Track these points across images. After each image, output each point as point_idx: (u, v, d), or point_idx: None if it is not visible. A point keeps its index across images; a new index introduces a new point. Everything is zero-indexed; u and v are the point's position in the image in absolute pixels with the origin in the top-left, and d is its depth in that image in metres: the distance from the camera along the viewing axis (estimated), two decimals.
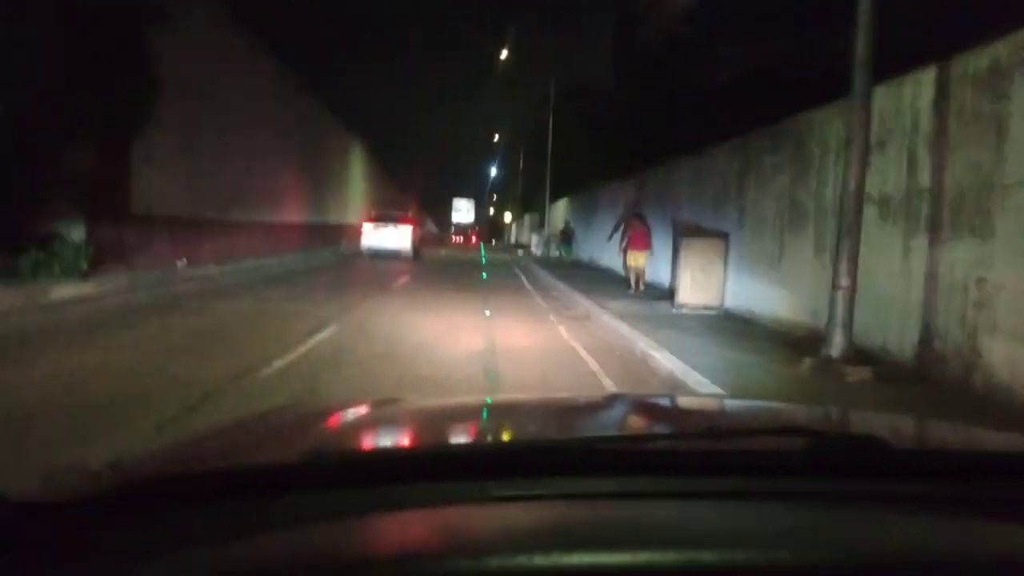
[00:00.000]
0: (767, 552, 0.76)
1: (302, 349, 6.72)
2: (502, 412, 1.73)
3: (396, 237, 23.09)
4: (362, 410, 1.64)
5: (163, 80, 12.15)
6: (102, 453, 1.56)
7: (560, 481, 0.94)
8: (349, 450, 1.21)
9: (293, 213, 23.12)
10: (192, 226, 14.43)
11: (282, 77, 21.51)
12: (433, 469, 0.99)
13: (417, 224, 25.65)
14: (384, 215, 24.84)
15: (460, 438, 1.47)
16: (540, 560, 0.71)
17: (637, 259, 13.59)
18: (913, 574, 0.74)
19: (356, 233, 24.92)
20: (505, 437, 1.46)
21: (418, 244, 24.86)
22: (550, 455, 1.03)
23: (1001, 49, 5.56)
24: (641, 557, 0.73)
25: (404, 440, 1.42)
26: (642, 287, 13.42)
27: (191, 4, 13.53)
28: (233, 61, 16.82)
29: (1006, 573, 0.75)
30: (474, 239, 51.11)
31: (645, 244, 13.64)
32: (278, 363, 6.02)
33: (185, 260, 13.57)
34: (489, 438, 1.47)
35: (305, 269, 17.83)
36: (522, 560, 0.71)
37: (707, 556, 0.73)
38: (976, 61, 5.83)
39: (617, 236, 15.40)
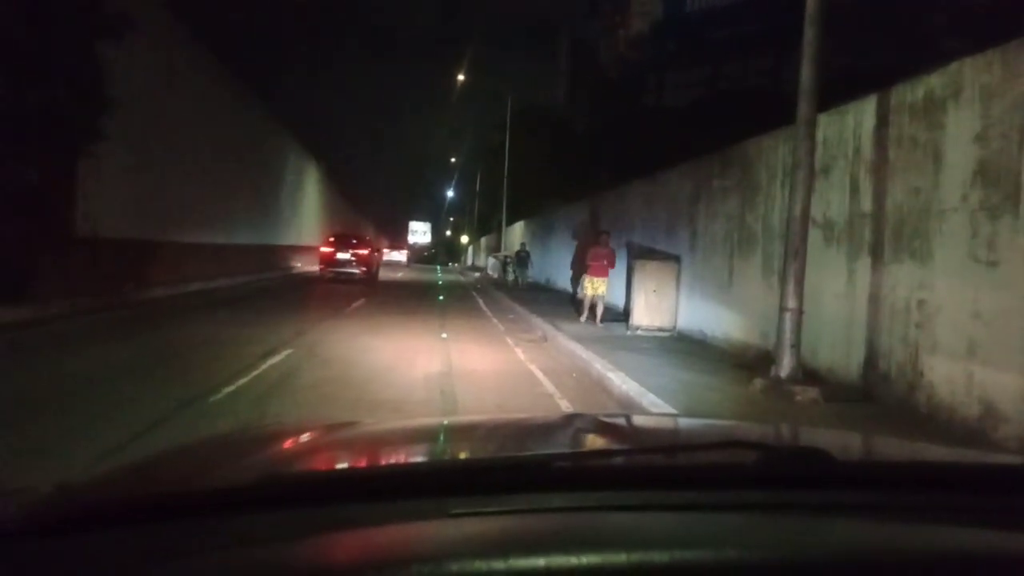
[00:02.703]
0: (717, 552, 0.78)
1: (254, 373, 6.59)
2: (460, 432, 1.73)
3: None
4: (319, 432, 1.62)
5: (113, 96, 11.88)
6: None
7: (518, 497, 0.95)
8: (305, 470, 1.20)
9: (245, 235, 22.79)
10: (140, 248, 14.06)
11: (238, 97, 21.27)
12: (390, 488, 0.99)
13: (376, 249, 40.11)
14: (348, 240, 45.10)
15: (417, 457, 1.46)
16: (499, 565, 0.72)
17: (596, 285, 11.89)
18: (851, 571, 0.78)
19: (309, 255, 32.86)
20: (462, 455, 1.46)
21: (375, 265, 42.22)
22: (507, 472, 1.04)
23: (935, 81, 5.83)
24: (596, 559, 0.75)
25: (361, 460, 1.41)
26: (598, 318, 11.82)
27: (145, 20, 13.31)
28: (188, 79, 16.56)
29: (933, 569, 0.79)
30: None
31: (606, 269, 11.97)
32: (228, 389, 5.88)
33: (132, 284, 13.21)
34: (446, 457, 1.46)
35: (257, 292, 17.52)
36: (481, 566, 0.72)
37: (660, 557, 0.76)
38: (913, 92, 6.09)
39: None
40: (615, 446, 1.52)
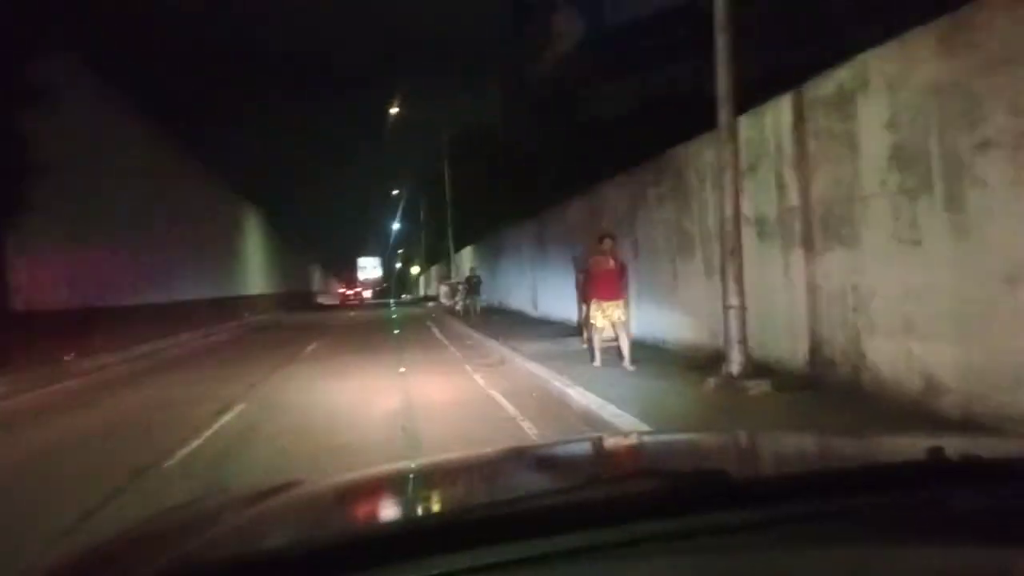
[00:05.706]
0: None
1: (207, 433, 6.43)
2: (382, 488, 1.70)
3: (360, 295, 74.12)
4: (262, 499, 1.58)
5: (38, 165, 11.53)
6: None
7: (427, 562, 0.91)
8: (269, 549, 1.16)
9: (190, 290, 22.31)
10: (79, 316, 13.62)
11: (171, 153, 20.91)
12: (343, 561, 0.96)
13: (363, 290, 78.06)
14: (351, 284, 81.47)
15: (354, 525, 1.44)
16: None
17: (608, 311, 8.48)
18: None
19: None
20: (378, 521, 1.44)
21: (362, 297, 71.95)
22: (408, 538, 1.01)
23: (844, 74, 6.09)
24: None
25: (311, 531, 1.38)
26: (626, 358, 8.34)
27: (69, 83, 12.98)
28: (119, 141, 16.23)
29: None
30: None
31: (618, 289, 8.59)
32: (182, 452, 5.73)
33: (72, 354, 12.77)
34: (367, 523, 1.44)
35: (205, 348, 17.14)
36: None
37: None
38: (825, 87, 6.35)
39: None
40: (526, 491, 1.50)
